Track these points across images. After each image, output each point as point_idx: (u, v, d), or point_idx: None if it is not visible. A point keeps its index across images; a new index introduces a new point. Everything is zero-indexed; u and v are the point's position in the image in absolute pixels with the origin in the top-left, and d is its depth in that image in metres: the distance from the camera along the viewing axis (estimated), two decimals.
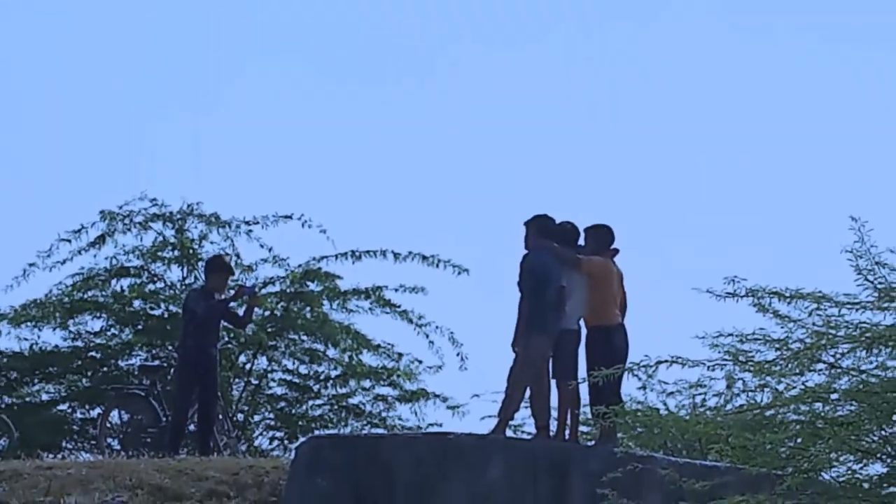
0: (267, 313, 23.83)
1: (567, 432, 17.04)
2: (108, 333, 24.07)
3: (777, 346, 13.16)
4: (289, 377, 24.45)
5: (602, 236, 17.32)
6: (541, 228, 16.89)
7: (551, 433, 16.88)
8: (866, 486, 12.88)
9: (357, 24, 43.26)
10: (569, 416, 17.05)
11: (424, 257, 23.17)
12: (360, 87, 42.84)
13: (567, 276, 16.75)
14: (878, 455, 12.82)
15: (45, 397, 24.04)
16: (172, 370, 21.59)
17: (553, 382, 16.93)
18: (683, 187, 41.00)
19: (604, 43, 43.93)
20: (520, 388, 16.75)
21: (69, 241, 23.85)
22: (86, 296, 23.97)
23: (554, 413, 17.01)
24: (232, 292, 19.64)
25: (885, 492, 12.82)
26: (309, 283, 23.91)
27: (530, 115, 42.28)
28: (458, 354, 23.43)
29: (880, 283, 12.67)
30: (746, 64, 43.08)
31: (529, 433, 17.70)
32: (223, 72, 42.86)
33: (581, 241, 17.26)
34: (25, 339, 23.93)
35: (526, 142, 41.95)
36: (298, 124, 42.36)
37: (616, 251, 17.34)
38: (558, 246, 16.91)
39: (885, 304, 12.60)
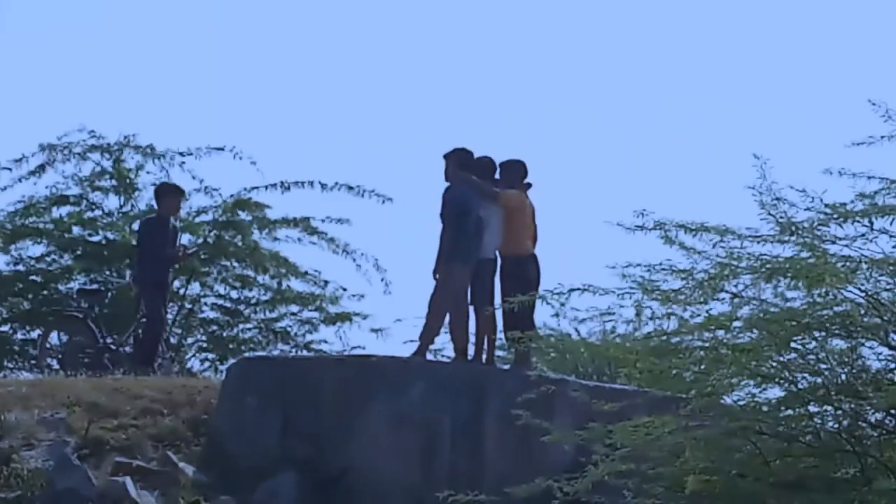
0: (200, 241, 23.80)
1: (484, 357, 17.12)
2: (49, 259, 24.02)
3: (683, 276, 13.20)
4: (220, 302, 24.49)
5: (516, 170, 17.37)
6: (460, 161, 16.92)
7: (469, 357, 16.94)
8: (765, 408, 12.97)
9: None
10: (485, 342, 17.13)
11: (350, 187, 23.16)
12: (289, 21, 42.68)
13: (485, 208, 16.79)
14: (777, 380, 12.90)
15: None
16: (110, 295, 21.55)
17: (471, 309, 17.00)
18: (597, 123, 41.11)
19: None
20: (439, 314, 16.80)
21: (10, 169, 23.80)
22: (27, 222, 23.88)
23: (472, 338, 17.08)
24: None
25: (783, 414, 12.92)
26: (240, 212, 23.87)
27: (453, 49, 42.30)
28: (382, 280, 23.50)
29: (781, 217, 12.72)
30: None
31: (449, 357, 17.73)
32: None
33: (497, 175, 17.30)
34: None
35: (448, 75, 41.97)
36: (229, 59, 42.21)
37: (529, 185, 17.39)
38: (477, 179, 16.94)
39: (785, 238, 12.66)
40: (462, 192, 16.75)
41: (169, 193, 19.62)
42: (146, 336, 19.31)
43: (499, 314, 16.80)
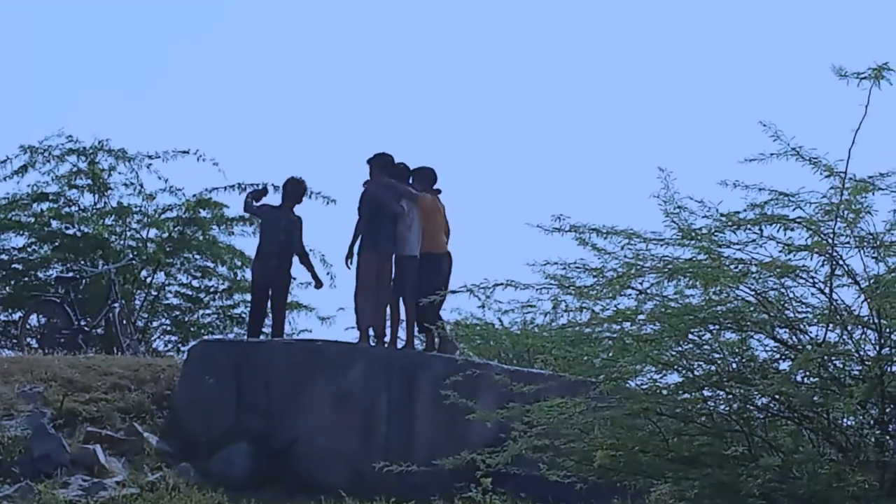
0: (165, 236, 23.80)
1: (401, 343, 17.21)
2: (29, 249, 23.93)
3: (594, 274, 13.23)
4: (183, 290, 24.44)
5: (427, 176, 17.46)
6: (383, 166, 17.00)
7: (385, 340, 17.05)
8: (665, 392, 13.01)
9: None
10: (399, 330, 17.19)
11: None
12: (248, 32, 42.61)
13: (408, 209, 16.85)
14: (675, 367, 12.94)
15: None
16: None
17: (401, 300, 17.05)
18: (523, 136, 41.22)
19: None
20: (362, 300, 16.84)
21: None
22: (10, 216, 23.79)
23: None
24: None
25: (680, 398, 12.97)
26: (201, 210, 23.86)
27: (392, 63, 42.32)
28: (327, 273, 23.45)
29: (681, 223, 12.78)
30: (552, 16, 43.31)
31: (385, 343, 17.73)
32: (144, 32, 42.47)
33: (410, 180, 17.37)
34: None
35: (384, 86, 42.02)
36: (195, 70, 42.13)
37: (439, 190, 17.46)
38: (396, 182, 16.99)
39: (685, 242, 12.71)
40: (377, 191, 16.83)
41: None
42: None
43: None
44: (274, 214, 18.17)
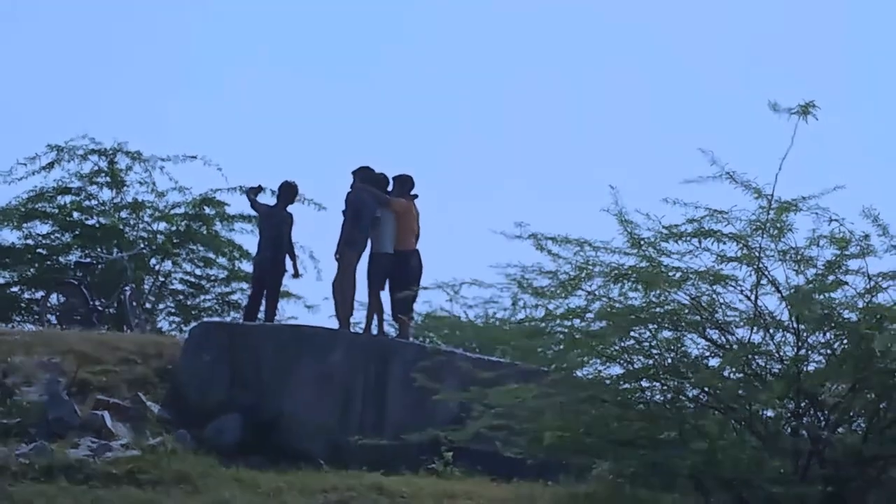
0: (173, 229, 23.78)
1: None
2: (53, 236, 23.83)
3: (549, 276, 13.23)
4: (187, 277, 24.36)
5: (405, 182, 17.45)
6: (364, 177, 17.05)
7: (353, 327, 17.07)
8: (608, 382, 13.00)
9: None
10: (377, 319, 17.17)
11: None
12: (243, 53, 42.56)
13: (382, 212, 16.88)
14: (618, 360, 12.94)
15: (0, 281, 23.76)
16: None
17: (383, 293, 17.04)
18: (485, 150, 41.26)
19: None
20: (341, 291, 16.84)
21: (25, 164, 23.62)
22: (37, 207, 23.69)
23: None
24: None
25: (621, 387, 12.96)
26: (205, 207, 23.82)
27: (382, 75, 42.30)
28: (315, 268, 23.44)
29: (629, 234, 12.78)
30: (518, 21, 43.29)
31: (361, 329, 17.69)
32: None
33: (390, 187, 17.39)
34: None
35: (373, 98, 41.98)
36: (204, 82, 42.07)
37: (416, 195, 17.44)
38: (373, 189, 17.03)
39: (630, 250, 12.71)
40: (359, 195, 16.86)
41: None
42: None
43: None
44: (269, 212, 18.12)
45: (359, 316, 18.22)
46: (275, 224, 17.95)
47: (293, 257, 18.12)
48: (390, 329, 17.90)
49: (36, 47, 41.39)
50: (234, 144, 37.50)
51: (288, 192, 18.24)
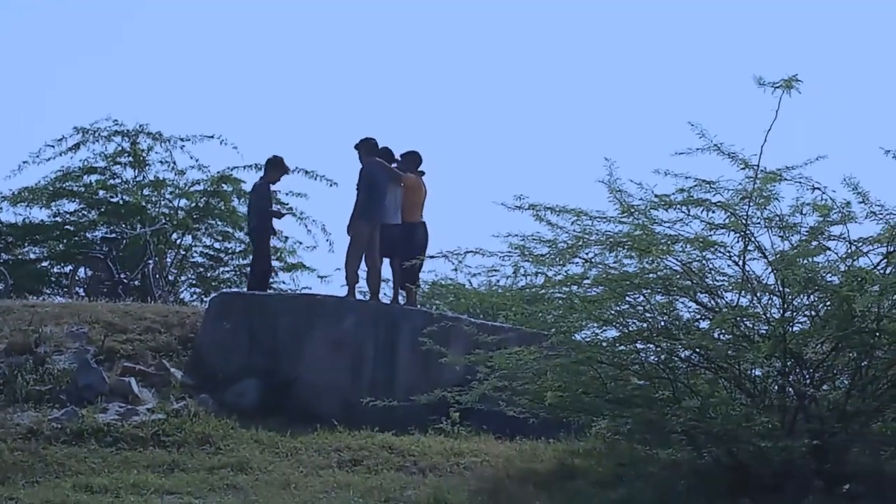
0: (193, 205, 23.76)
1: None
2: (80, 213, 23.88)
3: (548, 245, 13.20)
4: (206, 251, 24.40)
5: (413, 159, 17.32)
6: (368, 148, 16.85)
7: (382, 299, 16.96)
8: (605, 344, 13.00)
9: None
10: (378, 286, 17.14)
11: (307, 172, 23.03)
12: (262, 35, 42.45)
13: (392, 186, 16.74)
14: (614, 324, 12.93)
15: (31, 256, 23.79)
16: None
17: (387, 261, 16.98)
18: (489, 124, 41.19)
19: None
20: (352, 261, 16.76)
21: (53, 146, 23.60)
22: (64, 185, 23.70)
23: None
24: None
25: (617, 349, 12.94)
26: (223, 185, 23.80)
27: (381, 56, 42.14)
28: (327, 240, 23.47)
29: (622, 203, 12.75)
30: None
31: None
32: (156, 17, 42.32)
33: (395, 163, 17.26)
34: (20, 215, 23.67)
35: (379, 82, 41.89)
36: (223, 65, 42.01)
37: (423, 172, 17.33)
38: (386, 164, 16.86)
39: (624, 219, 12.68)
40: (373, 168, 16.68)
41: (275, 166, 17.93)
42: (255, 267, 18.07)
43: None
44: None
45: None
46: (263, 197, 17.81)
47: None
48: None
49: (57, 34, 41.35)
50: (250, 122, 37.49)
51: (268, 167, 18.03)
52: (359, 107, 39.16)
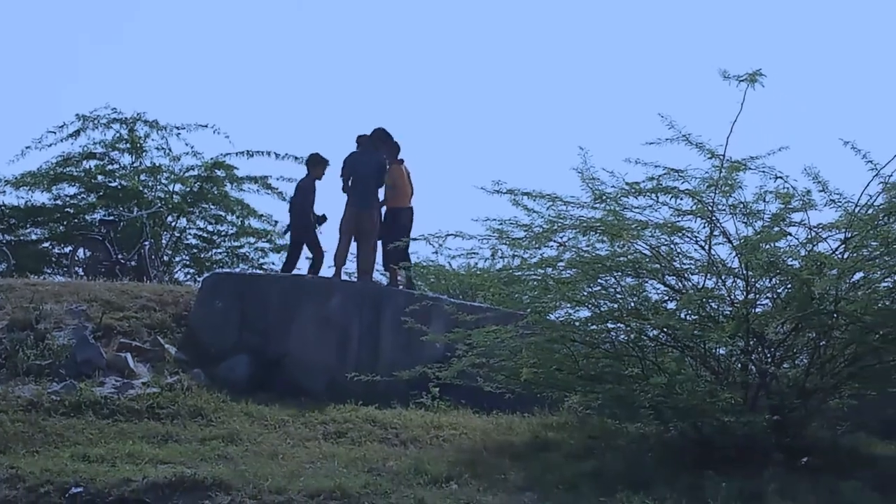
0: (187, 190, 23.72)
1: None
2: (79, 196, 23.80)
3: (524, 229, 13.21)
4: (200, 233, 24.33)
5: (392, 150, 17.30)
6: (378, 137, 16.92)
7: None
8: (577, 324, 13.01)
9: None
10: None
11: (296, 157, 23.03)
12: (255, 27, 42.31)
13: (378, 173, 16.78)
14: (586, 304, 12.94)
15: (33, 237, 23.71)
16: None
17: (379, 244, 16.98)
18: (469, 113, 41.15)
19: None
20: (341, 246, 16.79)
21: (54, 132, 23.57)
22: (65, 170, 23.63)
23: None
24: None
25: (589, 328, 12.95)
26: (216, 170, 23.74)
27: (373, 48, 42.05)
28: (315, 223, 23.42)
29: (595, 190, 12.75)
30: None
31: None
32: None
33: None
34: (22, 198, 23.61)
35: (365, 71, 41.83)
36: (217, 58, 41.88)
37: (402, 160, 17.33)
38: (375, 152, 16.86)
39: (597, 205, 12.69)
40: (360, 161, 16.79)
41: (316, 163, 17.79)
42: (314, 258, 17.66)
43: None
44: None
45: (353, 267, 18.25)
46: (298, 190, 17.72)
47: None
48: (381, 278, 17.88)
49: (61, 26, 41.18)
50: (241, 112, 37.42)
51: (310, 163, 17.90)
52: (343, 94, 39.15)
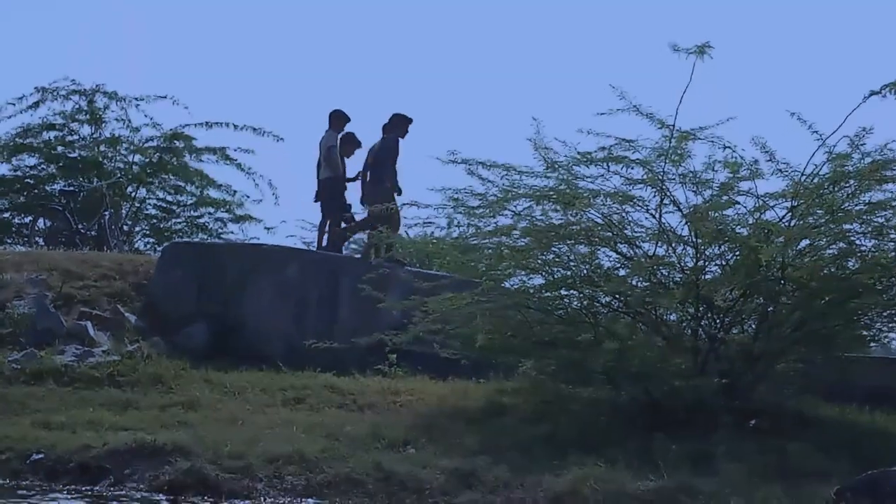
0: (147, 160, 23.58)
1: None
2: (39, 168, 23.71)
3: (479, 198, 13.15)
4: (160, 203, 24.27)
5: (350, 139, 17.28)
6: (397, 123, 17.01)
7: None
8: (531, 291, 12.98)
9: None
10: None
11: (255, 129, 22.95)
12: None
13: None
14: (540, 272, 12.92)
15: None
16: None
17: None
18: (431, 82, 41.07)
19: None
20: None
21: (14, 104, 23.48)
22: (24, 141, 23.50)
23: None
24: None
25: (543, 295, 12.93)
26: (175, 141, 23.64)
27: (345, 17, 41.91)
28: (273, 194, 23.43)
29: (548, 159, 12.72)
30: None
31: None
32: None
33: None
34: None
35: (332, 43, 41.62)
36: (176, 29, 41.58)
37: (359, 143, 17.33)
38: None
39: (550, 174, 12.66)
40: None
41: (338, 117, 17.39)
42: (334, 219, 17.26)
43: None
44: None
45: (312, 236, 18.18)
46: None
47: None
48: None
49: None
50: (200, 83, 37.19)
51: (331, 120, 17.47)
52: (301, 65, 39.02)
